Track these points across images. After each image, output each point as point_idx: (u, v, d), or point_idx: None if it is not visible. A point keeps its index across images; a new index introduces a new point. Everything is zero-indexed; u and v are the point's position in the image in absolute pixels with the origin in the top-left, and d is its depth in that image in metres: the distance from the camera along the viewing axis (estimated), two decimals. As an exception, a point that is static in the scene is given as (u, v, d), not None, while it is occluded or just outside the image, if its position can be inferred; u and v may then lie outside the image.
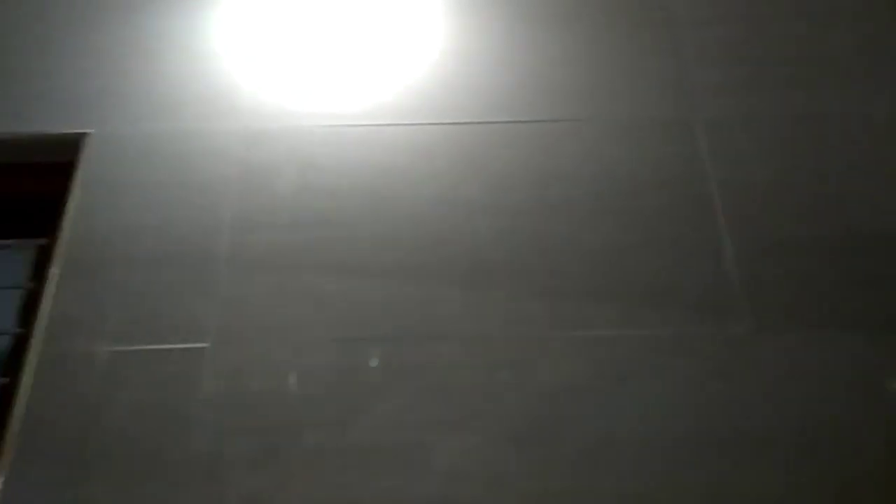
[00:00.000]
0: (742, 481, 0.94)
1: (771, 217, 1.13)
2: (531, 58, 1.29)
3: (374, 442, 0.96)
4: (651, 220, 1.13)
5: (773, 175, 1.17)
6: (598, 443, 0.96)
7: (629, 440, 0.96)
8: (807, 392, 1.00)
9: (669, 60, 1.28)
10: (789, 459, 0.95)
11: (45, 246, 1.16)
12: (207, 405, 0.99)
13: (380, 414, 0.99)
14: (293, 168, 1.19)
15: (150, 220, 1.14)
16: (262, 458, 0.95)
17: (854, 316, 1.05)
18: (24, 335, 1.08)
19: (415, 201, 1.15)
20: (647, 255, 1.10)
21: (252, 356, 1.03)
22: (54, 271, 1.10)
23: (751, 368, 1.01)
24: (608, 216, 1.13)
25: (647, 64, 1.28)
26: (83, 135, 1.22)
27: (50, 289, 1.08)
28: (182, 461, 0.95)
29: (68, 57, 1.32)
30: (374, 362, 1.02)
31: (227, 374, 1.02)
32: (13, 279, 1.17)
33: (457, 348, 1.04)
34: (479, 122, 1.22)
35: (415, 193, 1.16)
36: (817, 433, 0.97)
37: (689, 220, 1.13)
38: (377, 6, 1.37)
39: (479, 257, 1.10)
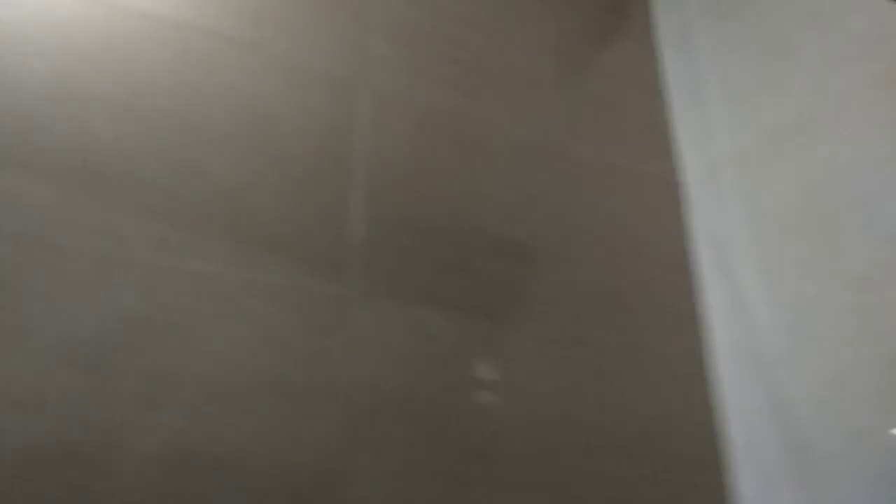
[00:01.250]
0: (301, 432, 0.96)
1: (404, 195, 1.18)
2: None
3: None
4: (290, 168, 1.10)
5: (418, 159, 1.22)
6: (164, 378, 0.90)
7: (197, 380, 0.92)
8: (391, 359, 1.05)
9: (354, 24, 1.27)
10: (352, 416, 1.00)
11: None
12: None
13: None
14: None
15: None
16: None
17: (450, 299, 1.14)
18: None
19: (24, 73, 0.97)
20: (277, 201, 1.07)
21: None
22: None
23: (344, 329, 1.04)
24: (247, 151, 1.08)
25: (330, 20, 1.25)
26: None
27: None
28: None
29: None
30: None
31: None
32: None
33: (34, 253, 0.89)
34: (125, 8, 1.07)
35: (27, 63, 0.97)
36: (399, 395, 1.03)
37: (329, 177, 1.12)
38: None
39: (91, 159, 0.97)
